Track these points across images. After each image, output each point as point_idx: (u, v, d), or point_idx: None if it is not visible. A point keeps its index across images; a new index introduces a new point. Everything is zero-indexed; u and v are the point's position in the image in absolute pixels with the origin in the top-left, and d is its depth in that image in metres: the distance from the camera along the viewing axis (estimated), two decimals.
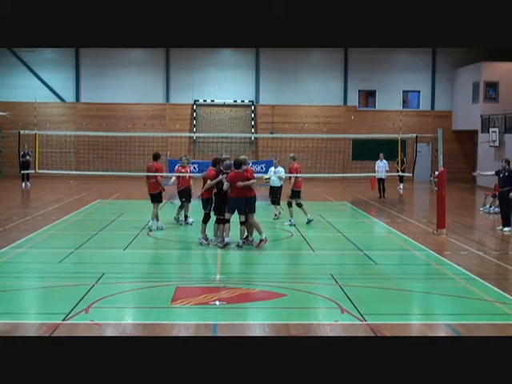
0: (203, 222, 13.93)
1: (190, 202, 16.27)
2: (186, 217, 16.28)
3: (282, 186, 17.56)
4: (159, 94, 35.10)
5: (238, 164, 13.56)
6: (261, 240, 13.40)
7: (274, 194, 17.63)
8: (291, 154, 18.44)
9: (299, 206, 17.08)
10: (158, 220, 15.67)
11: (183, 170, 16.33)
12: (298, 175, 17.13)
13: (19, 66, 34.43)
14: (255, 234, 13.66)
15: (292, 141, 29.51)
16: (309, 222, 16.98)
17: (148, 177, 15.73)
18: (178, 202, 17.41)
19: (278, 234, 15.58)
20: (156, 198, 15.63)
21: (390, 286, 10.30)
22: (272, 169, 18.24)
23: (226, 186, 13.36)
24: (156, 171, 15.62)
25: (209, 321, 8.30)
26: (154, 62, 34.85)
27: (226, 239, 13.33)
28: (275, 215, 17.67)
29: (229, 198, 13.41)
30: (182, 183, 16.13)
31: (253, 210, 13.35)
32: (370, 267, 12.03)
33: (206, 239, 13.74)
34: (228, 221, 13.42)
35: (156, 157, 16.01)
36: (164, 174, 16.54)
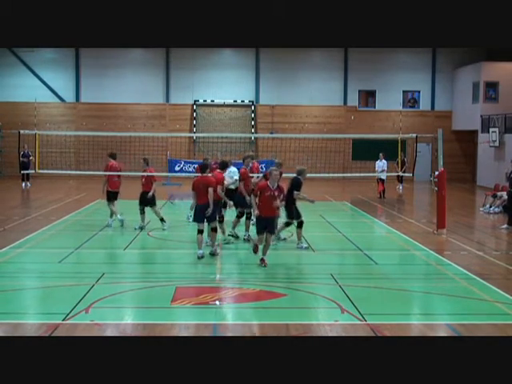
0: (220, 222, 13.92)
1: (155, 205, 15.83)
2: (162, 219, 15.74)
3: (237, 188, 15.78)
4: (159, 94, 35.10)
5: (204, 167, 12.82)
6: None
7: (231, 198, 15.24)
8: (250, 153, 18.36)
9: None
10: (112, 216, 16.15)
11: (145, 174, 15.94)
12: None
13: (19, 66, 34.44)
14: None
15: (292, 141, 29.53)
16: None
17: (110, 175, 16.12)
18: (177, 202, 17.39)
19: (278, 233, 15.55)
20: (116, 196, 16.16)
21: (390, 286, 10.30)
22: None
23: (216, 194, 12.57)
24: (120, 170, 16.25)
25: (209, 321, 8.30)
26: (154, 62, 34.86)
27: (201, 252, 12.43)
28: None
29: (197, 205, 12.57)
30: (144, 187, 15.74)
31: (272, 231, 12.14)
32: (370, 267, 12.03)
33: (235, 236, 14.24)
34: (200, 231, 12.46)
35: (115, 156, 16.54)
36: (125, 173, 16.67)
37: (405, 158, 27.63)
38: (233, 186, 15.35)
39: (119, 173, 16.22)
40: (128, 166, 28.49)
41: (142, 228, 15.71)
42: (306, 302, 9.40)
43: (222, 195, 13.47)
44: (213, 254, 12.53)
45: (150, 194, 15.54)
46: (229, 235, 14.33)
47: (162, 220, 15.80)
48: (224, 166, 14.29)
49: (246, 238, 14.29)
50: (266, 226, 11.80)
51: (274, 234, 12.33)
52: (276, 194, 11.79)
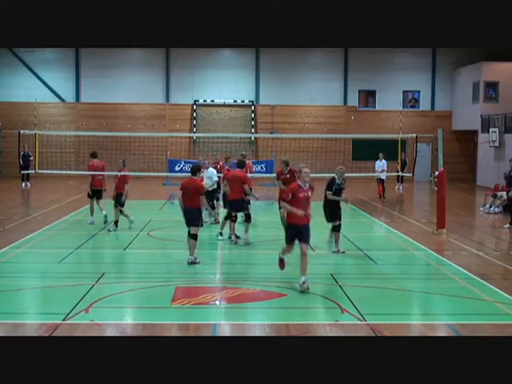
0: (246, 221, 14.00)
1: (122, 206, 15.71)
2: (116, 222, 15.61)
3: (214, 189, 15.97)
4: (159, 94, 35.09)
5: (195, 169, 12.20)
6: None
7: (210, 199, 15.43)
8: (243, 152, 18.48)
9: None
10: (92, 215, 16.51)
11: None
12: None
13: (19, 66, 34.42)
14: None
15: (292, 141, 29.53)
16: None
17: (94, 174, 16.54)
18: (177, 202, 17.36)
19: (278, 233, 15.55)
20: (101, 194, 16.53)
21: (390, 286, 10.29)
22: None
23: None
24: (103, 169, 16.61)
25: (209, 321, 8.30)
26: (154, 62, 34.84)
27: (194, 257, 11.89)
28: (215, 220, 16.56)
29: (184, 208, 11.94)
30: (117, 188, 15.69)
31: (307, 240, 10.16)
32: (370, 267, 12.03)
33: (237, 237, 13.98)
34: (192, 236, 11.86)
35: (95, 155, 17.02)
36: (107, 173, 16.63)
37: (406, 158, 27.59)
38: (210, 188, 15.27)
39: (110, 172, 16.27)
40: (128, 166, 28.48)
41: (131, 222, 15.78)
42: (305, 301, 9.39)
43: (249, 192, 13.78)
44: (192, 263, 11.74)
45: (124, 197, 15.55)
46: (230, 237, 14.23)
47: (116, 223, 15.59)
48: (242, 164, 14.33)
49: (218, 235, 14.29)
50: (299, 234, 10.04)
51: (308, 244, 10.28)
52: (309, 194, 10.31)
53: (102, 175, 16.56)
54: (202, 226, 12.16)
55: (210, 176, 15.79)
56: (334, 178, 13.15)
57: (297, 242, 10.08)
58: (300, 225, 10.02)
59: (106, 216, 16.18)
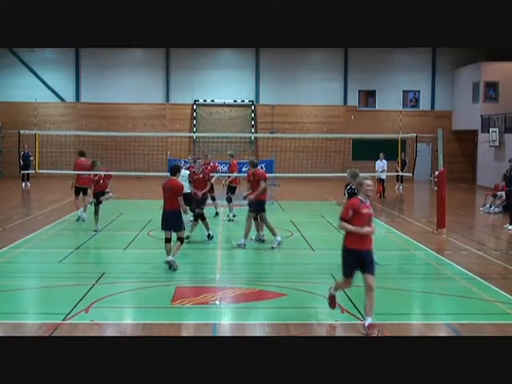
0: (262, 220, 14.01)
1: (101, 203, 15.73)
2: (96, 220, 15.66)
3: (190, 192, 14.78)
4: (159, 94, 35.09)
5: (174, 169, 11.83)
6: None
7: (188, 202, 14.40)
8: (229, 152, 18.51)
9: (229, 200, 17.55)
10: (85, 211, 16.98)
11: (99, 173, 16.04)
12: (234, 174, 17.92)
13: (19, 66, 34.42)
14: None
15: (292, 141, 29.52)
16: (230, 219, 17.12)
17: (78, 172, 17.35)
18: None
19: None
20: (85, 191, 17.09)
21: (390, 286, 10.29)
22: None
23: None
24: (89, 168, 16.78)
25: (209, 321, 8.30)
26: (154, 62, 34.84)
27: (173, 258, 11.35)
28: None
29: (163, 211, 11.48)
30: (101, 186, 15.70)
31: (373, 270, 8.46)
32: None
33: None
34: (168, 240, 11.45)
35: (83, 154, 17.86)
36: (93, 173, 16.34)
37: (405, 158, 27.58)
38: (189, 190, 14.57)
39: (98, 172, 16.18)
40: (128, 166, 28.64)
41: (78, 217, 16.52)
42: (305, 301, 9.40)
43: (261, 191, 13.64)
44: (170, 266, 11.17)
45: (108, 191, 15.74)
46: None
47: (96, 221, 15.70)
48: (255, 165, 14.18)
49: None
50: (362, 262, 8.24)
51: (374, 274, 8.37)
52: (372, 211, 8.48)
53: (89, 175, 16.65)
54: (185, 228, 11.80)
55: (186, 178, 14.82)
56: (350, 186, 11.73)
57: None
58: (363, 250, 8.30)
59: (81, 217, 16.73)
